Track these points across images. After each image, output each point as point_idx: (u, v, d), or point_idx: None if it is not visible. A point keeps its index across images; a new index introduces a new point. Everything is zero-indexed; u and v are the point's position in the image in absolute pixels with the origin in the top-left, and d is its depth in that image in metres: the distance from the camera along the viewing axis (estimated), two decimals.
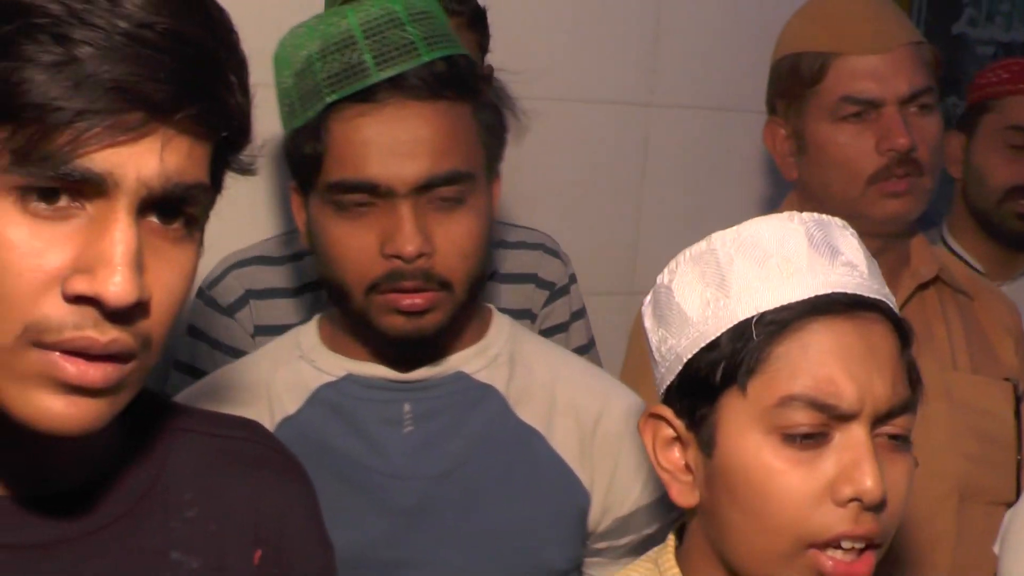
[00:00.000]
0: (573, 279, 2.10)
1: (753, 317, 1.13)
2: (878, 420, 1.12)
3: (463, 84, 1.42)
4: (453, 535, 1.46)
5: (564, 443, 1.51)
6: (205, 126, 0.88)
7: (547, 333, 2.02)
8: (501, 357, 1.52)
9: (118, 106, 0.83)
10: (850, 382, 1.11)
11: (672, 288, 1.19)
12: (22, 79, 0.82)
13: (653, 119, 2.47)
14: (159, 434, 1.04)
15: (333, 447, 1.47)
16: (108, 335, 0.86)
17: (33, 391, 0.86)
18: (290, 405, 1.49)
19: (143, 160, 0.85)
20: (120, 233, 0.85)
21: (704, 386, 1.15)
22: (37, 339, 0.85)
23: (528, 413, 1.51)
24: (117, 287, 0.84)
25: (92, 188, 0.85)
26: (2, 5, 0.84)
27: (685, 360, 1.17)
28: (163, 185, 0.86)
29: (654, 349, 1.21)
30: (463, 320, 1.49)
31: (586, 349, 2.07)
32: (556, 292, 2.06)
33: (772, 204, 2.51)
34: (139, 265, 0.86)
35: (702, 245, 1.18)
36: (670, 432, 1.19)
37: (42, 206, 0.85)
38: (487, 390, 1.50)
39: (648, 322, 1.22)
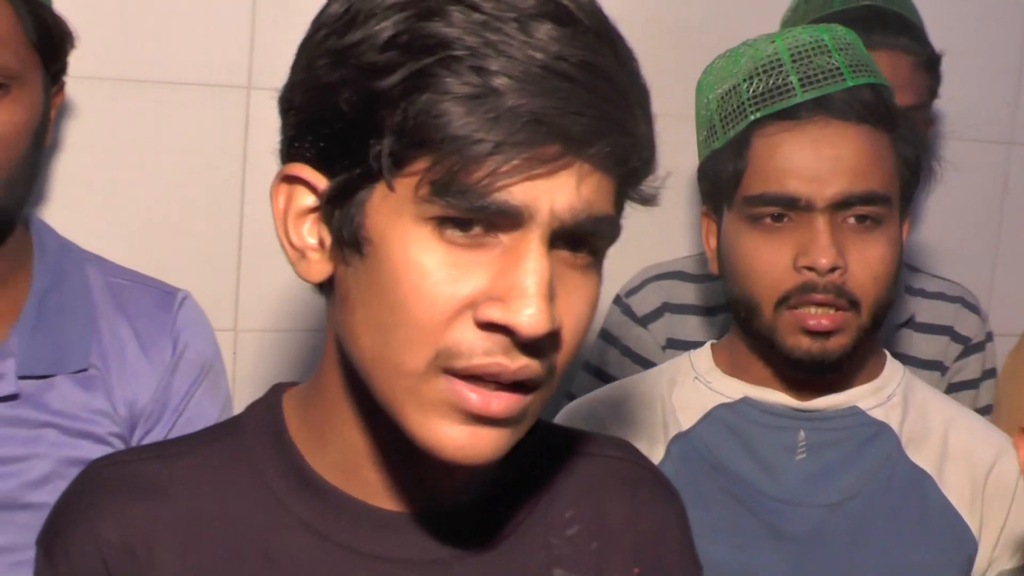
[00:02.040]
0: (990, 337, 2.06)
1: None
2: None
3: (885, 113, 1.44)
4: (842, 567, 1.46)
5: (955, 489, 1.50)
6: (616, 159, 0.88)
7: (956, 388, 2.00)
8: (896, 397, 1.53)
9: (536, 139, 0.84)
10: None
11: None
12: (442, 112, 0.84)
13: (1014, 158, 2.38)
14: (539, 453, 1.06)
15: (726, 467, 1.50)
16: (518, 363, 0.87)
17: (437, 419, 0.88)
18: (684, 422, 1.53)
19: (558, 193, 0.86)
20: (533, 263, 0.86)
21: None
22: (447, 365, 0.87)
23: (920, 456, 1.51)
24: (531, 317, 0.85)
25: (507, 220, 0.86)
26: (421, 38, 0.85)
27: None
28: (575, 218, 0.87)
29: None
30: (862, 355, 1.50)
31: (990, 410, 2.02)
32: (971, 348, 2.03)
33: None
34: (551, 296, 0.87)
35: None
36: None
37: (458, 235, 0.86)
38: (881, 428, 1.51)
39: None
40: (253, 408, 1.04)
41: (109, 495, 0.99)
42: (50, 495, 1.46)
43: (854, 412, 1.51)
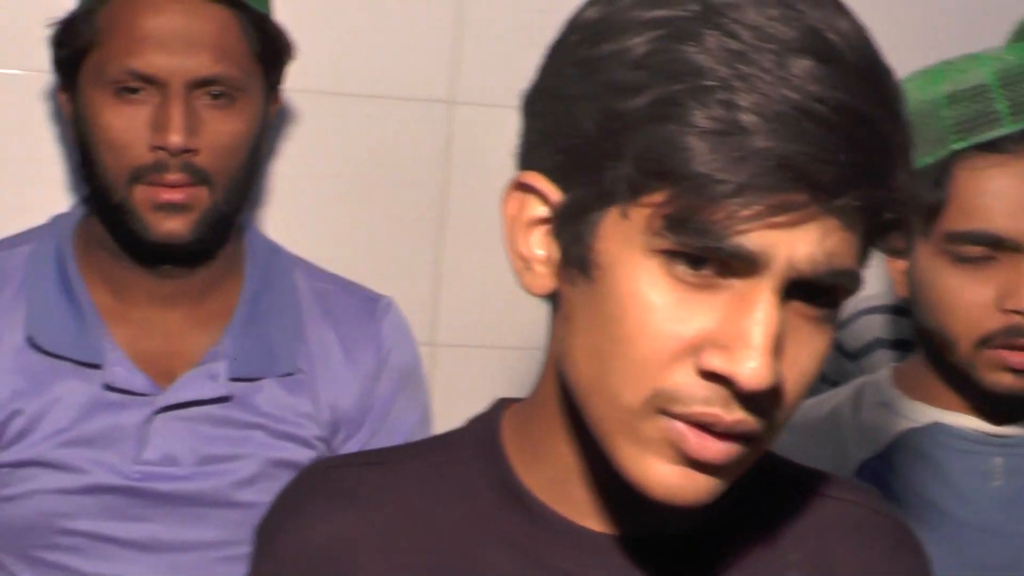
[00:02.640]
0: None
1: None
2: None
3: None
4: None
5: None
6: (866, 213, 0.82)
7: None
8: None
9: (782, 185, 0.79)
10: None
11: None
12: (686, 145, 0.80)
13: None
14: (765, 487, 1.00)
15: (917, 493, 1.46)
16: (735, 415, 0.82)
17: (651, 457, 0.84)
18: (872, 447, 1.49)
19: (798, 243, 0.80)
20: (762, 314, 0.81)
21: None
22: (663, 407, 0.83)
23: None
24: (753, 371, 0.80)
25: (741, 264, 0.81)
26: (672, 62, 0.81)
27: None
28: (814, 270, 0.81)
29: None
30: None
31: None
32: None
33: None
34: (777, 349, 0.82)
35: None
36: None
37: (688, 272, 0.82)
38: None
39: None
40: (474, 421, 1.02)
41: (320, 499, 1.00)
42: (256, 494, 1.52)
43: None
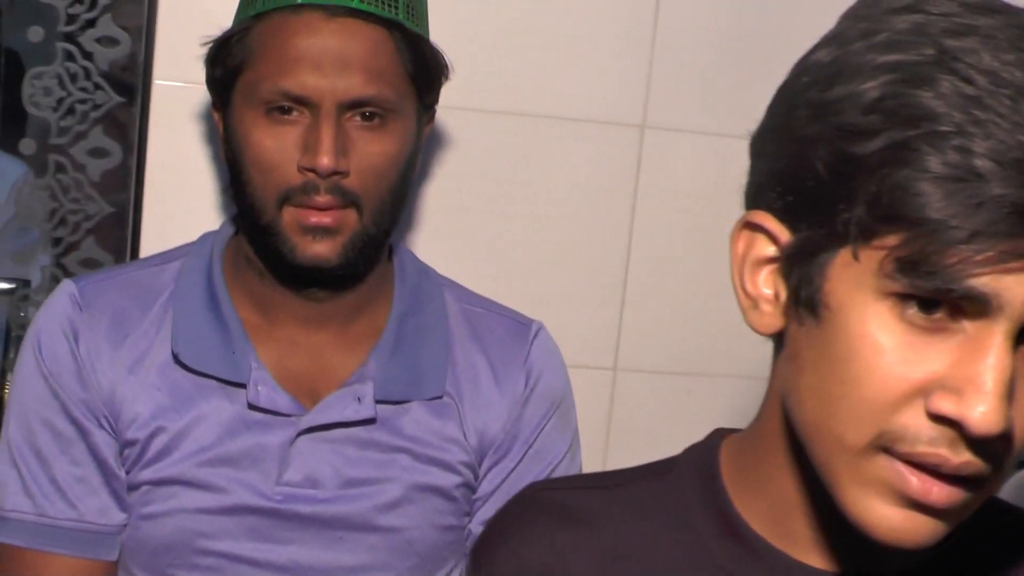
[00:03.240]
0: None
1: None
2: None
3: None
4: None
5: None
6: None
7: None
8: None
9: (1016, 231, 0.79)
10: None
11: None
12: (921, 191, 0.80)
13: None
14: (988, 529, 0.99)
15: None
16: (961, 457, 0.83)
17: (874, 498, 0.85)
18: None
19: None
20: (995, 359, 0.81)
21: None
22: (888, 445, 0.84)
23: None
24: (984, 415, 0.81)
25: (973, 308, 0.82)
26: (907, 107, 0.82)
27: None
28: None
29: None
30: None
31: None
32: None
33: None
34: (1010, 394, 0.82)
35: None
36: None
37: (919, 315, 0.83)
38: None
39: None
40: (691, 450, 1.04)
41: (536, 519, 1.03)
42: (398, 519, 1.50)
43: None
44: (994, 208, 0.79)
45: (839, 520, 0.89)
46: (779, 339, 0.93)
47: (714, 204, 1.91)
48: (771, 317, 0.91)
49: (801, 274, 0.87)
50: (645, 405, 1.95)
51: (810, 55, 0.90)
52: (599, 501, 1.02)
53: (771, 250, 0.90)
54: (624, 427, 1.93)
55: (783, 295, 0.90)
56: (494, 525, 1.06)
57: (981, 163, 0.79)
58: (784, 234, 0.88)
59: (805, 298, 0.87)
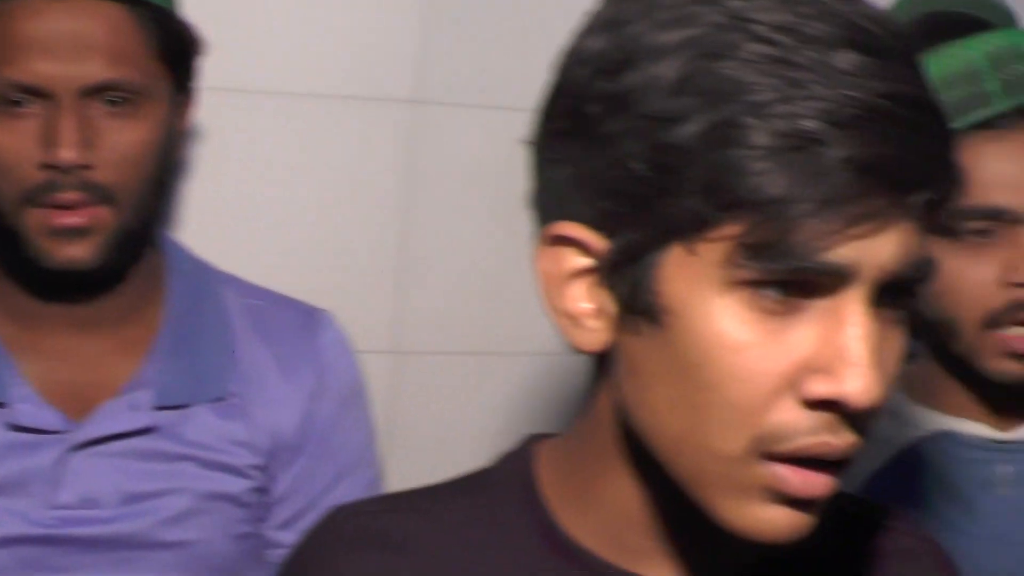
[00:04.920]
0: None
1: None
2: None
3: None
4: None
5: None
6: (942, 200, 0.80)
7: None
8: None
9: (864, 193, 0.75)
10: None
11: None
12: (754, 169, 0.76)
13: None
14: (824, 520, 0.95)
15: (925, 505, 1.44)
16: (844, 439, 0.79)
17: (753, 503, 0.81)
18: (878, 459, 1.46)
19: (884, 246, 0.77)
20: (860, 328, 0.78)
21: None
22: (767, 449, 0.79)
23: None
24: (863, 388, 0.77)
25: (829, 280, 0.78)
26: (716, 81, 0.77)
27: None
28: (903, 269, 0.79)
29: None
30: None
31: None
32: None
33: None
34: (879, 362, 0.79)
35: None
36: None
37: (777, 300, 0.78)
38: None
39: None
40: (506, 461, 0.97)
41: (345, 548, 0.95)
42: (188, 532, 1.42)
43: None
44: (837, 173, 0.75)
45: (685, 530, 0.88)
46: (611, 353, 0.86)
47: (499, 179, 1.86)
48: (598, 333, 0.84)
49: (629, 280, 0.81)
50: (431, 387, 1.90)
51: (581, 44, 0.84)
52: (415, 524, 0.95)
53: (584, 262, 0.84)
54: (407, 411, 1.88)
55: (610, 307, 0.83)
56: (302, 553, 0.98)
57: (812, 126, 0.75)
58: (599, 242, 0.82)
59: (640, 306, 0.81)
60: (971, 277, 1.37)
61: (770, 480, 0.79)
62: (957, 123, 1.38)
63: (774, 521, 0.81)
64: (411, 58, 1.83)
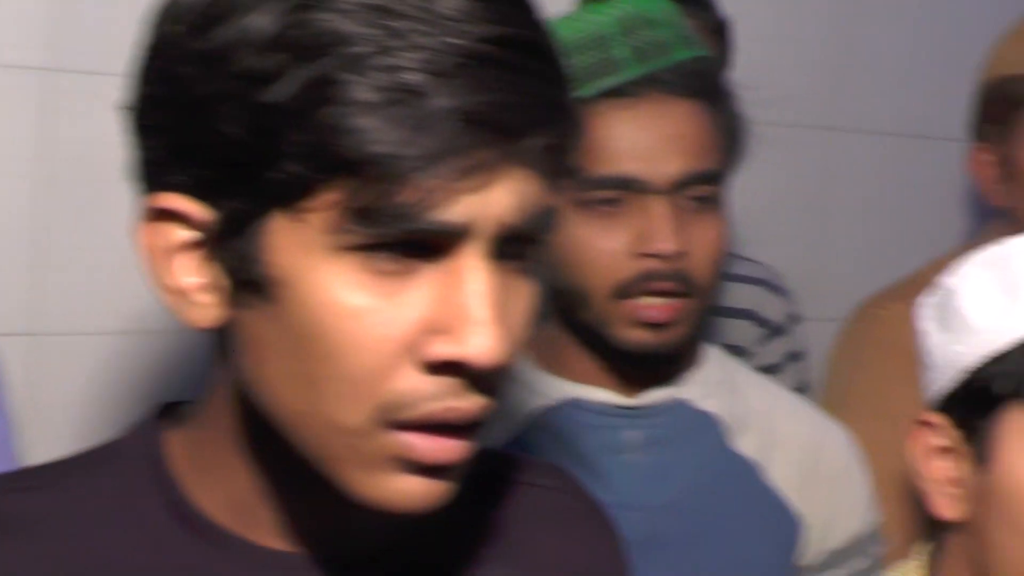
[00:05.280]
0: (795, 319, 2.03)
1: None
2: None
3: (714, 86, 1.40)
4: (683, 569, 1.42)
5: (782, 474, 1.48)
6: (559, 145, 0.77)
7: (759, 372, 1.93)
8: (718, 385, 1.49)
9: (472, 143, 0.72)
10: None
11: (957, 292, 1.15)
12: (355, 127, 0.71)
13: (835, 144, 2.45)
14: (463, 481, 0.89)
15: None
16: (470, 402, 0.76)
17: (384, 474, 0.77)
18: (507, 430, 1.45)
19: (499, 198, 0.74)
20: (479, 284, 0.74)
21: (987, 397, 1.11)
22: (392, 418, 0.76)
23: (744, 443, 1.48)
24: (485, 347, 0.74)
25: (444, 238, 0.74)
26: (311, 35, 0.72)
27: (967, 368, 1.12)
28: (522, 220, 0.76)
29: (932, 353, 1.18)
30: (689, 342, 1.45)
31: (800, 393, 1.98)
32: (774, 331, 2.00)
33: (967, 235, 2.42)
34: (503, 318, 0.76)
35: (996, 250, 1.14)
36: (941, 441, 1.15)
37: (389, 261, 0.74)
38: (707, 419, 1.46)
39: (929, 325, 1.18)
40: (132, 436, 0.91)
41: None
42: None
43: (680, 405, 1.46)
44: (442, 124, 0.71)
45: (312, 503, 0.85)
46: (225, 329, 0.82)
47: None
48: (210, 308, 0.80)
49: (235, 252, 0.77)
50: (68, 369, 1.79)
51: (171, 2, 0.79)
52: (39, 504, 0.87)
53: (188, 235, 0.79)
54: (45, 392, 1.77)
55: (221, 281, 0.79)
56: None
57: (414, 78, 0.71)
58: (203, 213, 0.77)
59: (249, 278, 0.77)
60: (601, 247, 1.35)
61: (398, 449, 0.76)
62: (587, 90, 1.36)
63: (407, 491, 0.78)
64: (45, 24, 1.71)
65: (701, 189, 1.36)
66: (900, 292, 1.84)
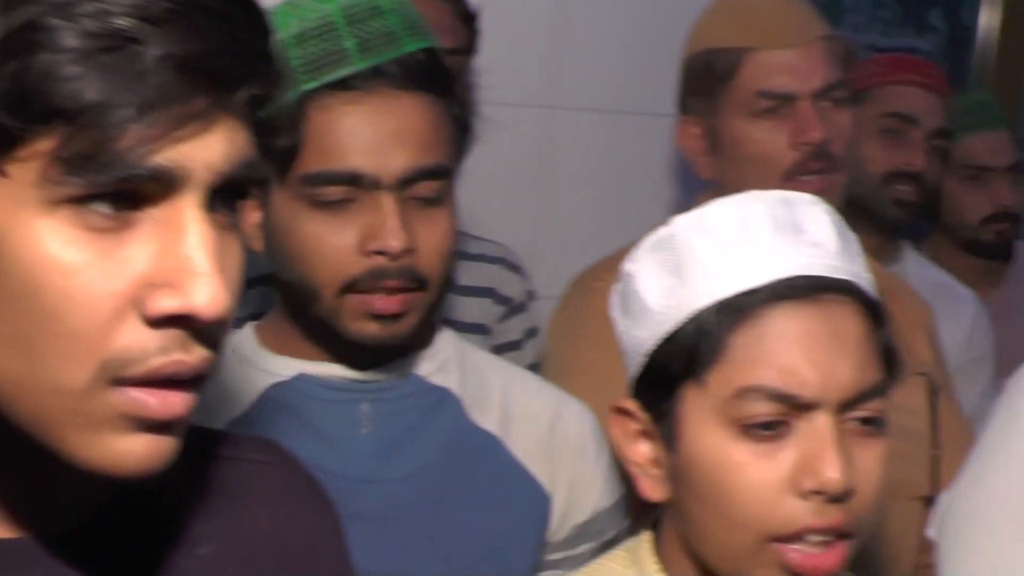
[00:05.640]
0: (532, 296, 2.08)
1: (711, 306, 1.10)
2: (845, 406, 1.10)
3: (442, 78, 1.39)
4: (422, 542, 1.42)
5: (522, 448, 1.49)
6: (260, 98, 0.77)
7: (500, 349, 2.00)
8: (451, 362, 1.49)
9: (186, 92, 0.72)
10: (812, 370, 1.08)
11: (634, 276, 1.18)
12: (67, 75, 0.70)
13: (555, 122, 2.48)
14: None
15: None
16: (196, 354, 0.76)
17: (109, 435, 0.75)
18: (236, 408, 1.43)
19: (212, 147, 0.74)
20: (198, 236, 0.74)
21: (665, 378, 1.14)
22: (117, 375, 0.74)
23: (484, 418, 1.49)
24: (211, 299, 0.73)
25: (160, 186, 0.74)
26: None
27: (647, 352, 1.15)
28: (233, 169, 0.76)
29: (622, 340, 1.21)
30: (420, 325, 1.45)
31: (535, 369, 2.02)
32: (514, 308, 2.04)
33: (680, 207, 2.49)
34: (223, 270, 0.76)
35: (663, 231, 1.17)
36: (637, 426, 1.18)
37: (108, 214, 0.73)
38: (443, 393, 1.47)
39: (615, 312, 1.21)
40: None
41: None
42: None
43: (415, 380, 1.46)
44: (157, 72, 0.71)
45: (16, 477, 0.82)
46: None
47: None
48: None
49: None
50: None
51: None
52: None
53: None
54: None
55: None
56: None
57: (124, 24, 0.70)
58: None
59: None
60: (330, 243, 1.34)
61: (126, 407, 0.75)
62: (314, 82, 1.34)
63: (134, 451, 0.76)
64: None
65: (429, 184, 1.36)
66: (614, 265, 1.86)
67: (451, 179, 1.40)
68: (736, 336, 1.09)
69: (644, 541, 1.22)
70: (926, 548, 1.85)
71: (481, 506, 1.45)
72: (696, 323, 1.11)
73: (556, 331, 1.95)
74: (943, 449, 1.92)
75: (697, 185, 1.98)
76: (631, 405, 1.18)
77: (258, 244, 1.42)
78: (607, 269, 1.85)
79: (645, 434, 1.18)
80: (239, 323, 1.51)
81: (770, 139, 1.82)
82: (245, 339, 1.49)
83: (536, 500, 1.48)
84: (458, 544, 1.43)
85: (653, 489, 1.17)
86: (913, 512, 1.89)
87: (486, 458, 1.47)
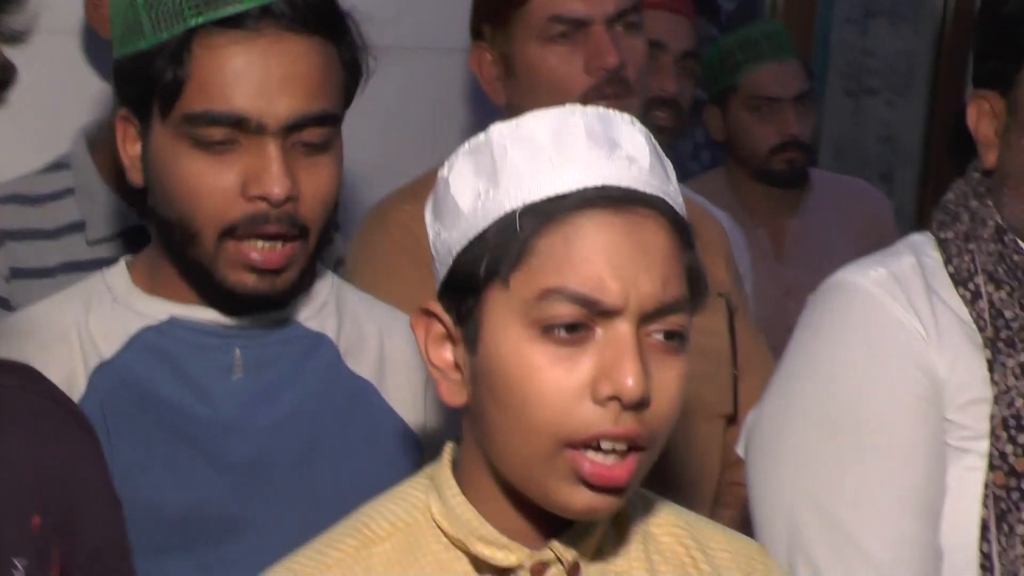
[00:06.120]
0: (335, 228, 2.01)
1: (520, 209, 1.11)
2: (646, 318, 1.11)
3: (334, 21, 1.38)
4: (290, 491, 1.41)
5: (397, 396, 1.49)
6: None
7: None
8: (329, 307, 1.48)
9: None
10: (615, 277, 1.10)
11: (448, 181, 1.17)
12: None
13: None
14: None
15: (157, 395, 1.40)
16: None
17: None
18: (106, 350, 1.40)
19: None
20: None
21: (470, 280, 1.14)
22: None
23: (360, 365, 1.48)
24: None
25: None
26: None
27: (455, 254, 1.16)
28: None
29: (431, 244, 1.20)
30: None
31: None
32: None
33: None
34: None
35: (480, 137, 1.17)
36: (440, 329, 1.18)
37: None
38: (320, 339, 1.46)
39: (428, 217, 1.21)
40: None
41: None
42: None
43: (291, 326, 1.45)
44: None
45: None
46: None
47: None
48: None
49: None
50: None
51: None
52: None
53: None
54: None
55: None
56: None
57: None
58: None
59: None
60: (211, 185, 1.32)
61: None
62: (201, 17, 1.31)
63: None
64: None
65: (315, 131, 1.35)
66: (412, 192, 1.86)
67: (338, 125, 1.39)
68: (543, 239, 1.10)
69: (445, 464, 1.21)
70: (731, 465, 1.91)
71: (354, 455, 1.44)
72: (504, 225, 1.12)
73: (354, 261, 1.93)
74: (741, 369, 1.96)
75: (495, 114, 1.96)
76: (436, 308, 1.18)
77: (137, 177, 1.40)
78: (404, 199, 1.88)
79: (448, 337, 1.18)
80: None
81: (564, 64, 1.82)
82: (119, 278, 1.45)
83: (410, 447, 1.47)
84: (329, 493, 1.40)
85: (452, 393, 1.17)
86: (716, 431, 1.94)
87: (360, 405, 1.46)
